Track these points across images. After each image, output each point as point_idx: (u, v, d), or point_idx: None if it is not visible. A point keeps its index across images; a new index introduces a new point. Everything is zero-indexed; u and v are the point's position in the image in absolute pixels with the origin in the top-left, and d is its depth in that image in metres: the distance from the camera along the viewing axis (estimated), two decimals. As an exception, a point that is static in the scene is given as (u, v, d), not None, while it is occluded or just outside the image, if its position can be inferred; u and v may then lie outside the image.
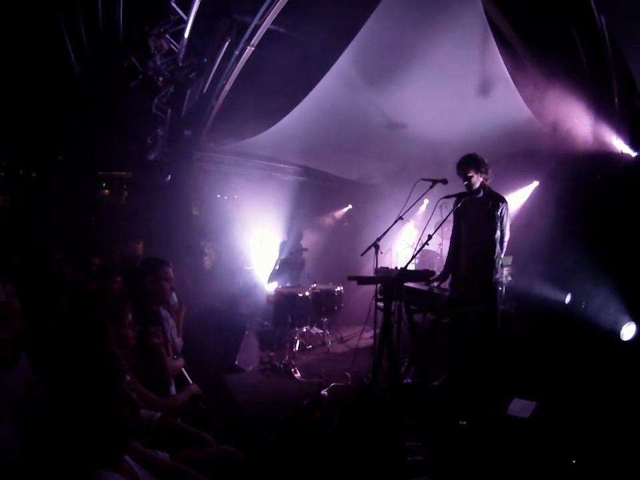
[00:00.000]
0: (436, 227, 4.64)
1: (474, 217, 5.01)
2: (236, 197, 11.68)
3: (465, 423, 4.18)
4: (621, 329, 6.14)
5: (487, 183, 5.04)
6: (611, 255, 6.37)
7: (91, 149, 9.36)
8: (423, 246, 4.29)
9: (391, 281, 4.23)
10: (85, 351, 1.49)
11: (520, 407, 4.40)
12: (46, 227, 8.82)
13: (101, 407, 1.41)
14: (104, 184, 11.12)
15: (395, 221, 4.79)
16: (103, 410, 1.41)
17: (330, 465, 3.63)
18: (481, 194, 4.91)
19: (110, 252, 8.78)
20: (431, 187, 4.74)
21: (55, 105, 8.03)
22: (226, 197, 11.83)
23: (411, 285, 4.48)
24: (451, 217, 5.10)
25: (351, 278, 4.44)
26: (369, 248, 4.69)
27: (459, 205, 4.71)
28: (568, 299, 7.07)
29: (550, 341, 6.03)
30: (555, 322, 6.55)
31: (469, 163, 4.97)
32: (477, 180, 4.96)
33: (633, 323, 6.09)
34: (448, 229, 6.27)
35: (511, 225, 4.99)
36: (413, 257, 4.35)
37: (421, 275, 4.80)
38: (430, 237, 4.26)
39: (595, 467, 3.45)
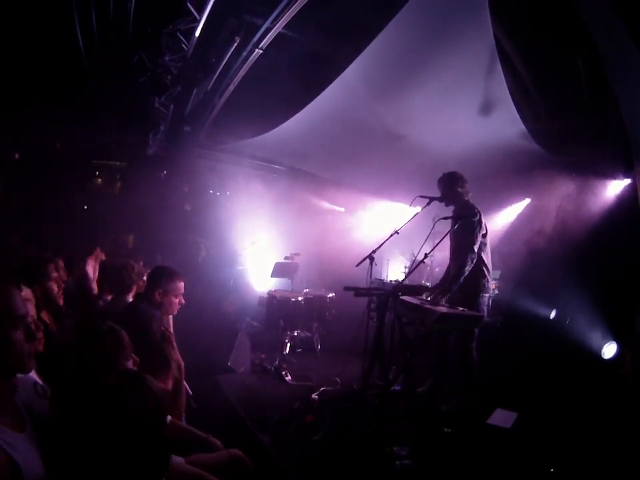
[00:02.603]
0: (432, 243, 4.73)
1: (452, 233, 5.12)
2: (228, 193, 11.67)
3: (449, 430, 4.30)
4: (602, 347, 6.32)
5: (467, 197, 5.16)
6: (596, 275, 6.54)
7: (89, 137, 9.31)
8: (419, 263, 4.41)
9: (387, 295, 4.33)
10: None
11: (502, 417, 4.52)
12: (36, 212, 8.76)
13: None
14: (97, 172, 11.06)
15: (391, 235, 4.87)
16: None
17: (320, 468, 3.72)
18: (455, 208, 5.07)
19: (100, 242, 8.74)
20: (428, 204, 4.91)
21: (58, 89, 7.98)
22: (218, 193, 11.82)
23: (404, 298, 4.57)
24: (441, 230, 5.21)
25: (347, 289, 4.53)
26: (364, 259, 4.76)
27: (456, 227, 4.80)
28: (553, 314, 7.23)
29: (533, 354, 6.16)
30: (539, 336, 6.70)
31: (445, 180, 5.16)
32: (454, 196, 5.12)
33: (614, 342, 6.27)
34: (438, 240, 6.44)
35: (483, 234, 5.02)
36: (410, 272, 4.45)
37: (416, 289, 4.90)
38: (426, 255, 4.39)
39: (572, 475, 3.65)
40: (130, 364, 2.16)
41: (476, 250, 4.83)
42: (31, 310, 2.38)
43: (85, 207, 10.64)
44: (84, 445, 1.61)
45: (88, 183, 10.91)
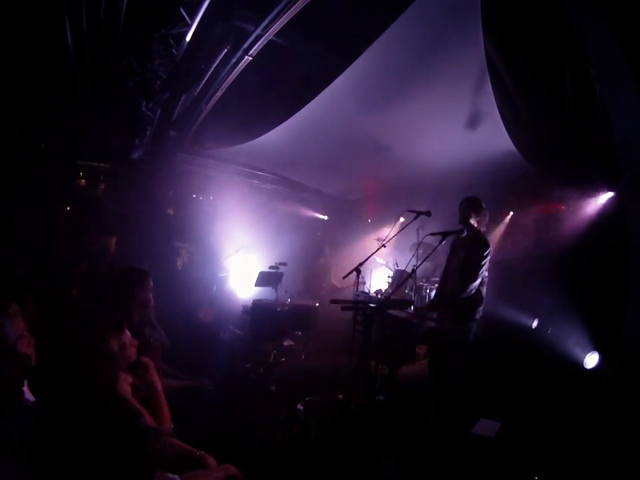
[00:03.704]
0: (417, 255, 4.75)
1: (459, 254, 5.14)
2: (211, 198, 11.61)
3: (434, 440, 4.34)
4: (584, 357, 6.37)
5: (479, 226, 5.16)
6: (578, 284, 6.65)
7: (73, 138, 9.17)
8: (407, 278, 4.42)
9: (373, 309, 4.34)
10: None
11: (485, 427, 4.54)
12: (17, 212, 8.59)
13: None
14: (81, 173, 10.90)
15: (378, 248, 4.90)
16: None
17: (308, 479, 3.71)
18: (465, 234, 5.05)
19: (81, 244, 8.62)
20: (415, 218, 4.90)
21: (44, 88, 7.85)
22: (201, 198, 11.74)
23: (390, 311, 4.58)
24: (429, 243, 5.23)
25: (334, 301, 4.53)
26: (351, 272, 4.75)
27: (442, 242, 4.81)
28: (535, 323, 7.30)
29: (515, 364, 6.17)
30: (521, 345, 6.74)
31: (470, 206, 5.12)
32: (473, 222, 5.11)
33: (596, 352, 6.33)
34: (423, 251, 6.48)
35: (487, 269, 5.06)
36: (398, 286, 4.47)
37: (401, 303, 4.91)
38: (414, 270, 4.41)
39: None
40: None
41: (477, 283, 4.87)
42: (20, 325, 2.35)
43: (68, 208, 10.47)
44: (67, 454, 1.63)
45: (72, 184, 10.73)
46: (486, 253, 4.89)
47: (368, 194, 11.42)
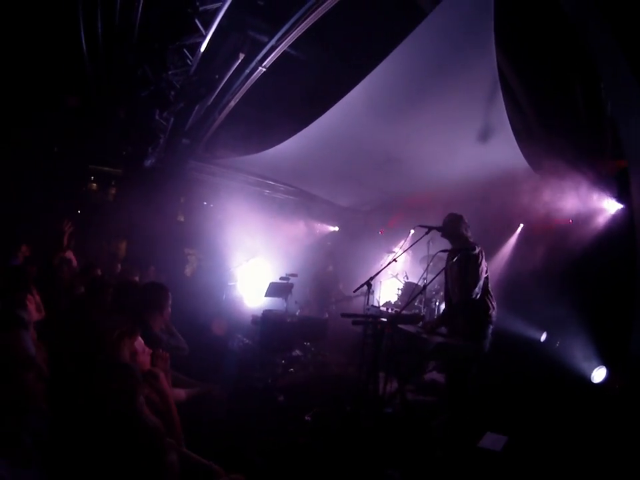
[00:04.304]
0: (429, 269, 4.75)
1: (451, 267, 5.13)
2: (222, 205, 11.64)
3: (441, 453, 4.33)
4: (592, 371, 6.34)
5: (469, 238, 5.16)
6: (587, 298, 6.61)
7: (85, 143, 9.24)
8: (419, 293, 4.42)
9: (383, 324, 4.34)
10: None
11: (492, 441, 4.51)
12: (29, 214, 8.65)
13: None
14: (92, 177, 10.98)
15: (389, 263, 4.90)
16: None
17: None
18: (476, 250, 5.04)
19: (93, 248, 8.66)
20: (427, 233, 4.91)
21: (59, 93, 7.94)
22: (212, 205, 11.77)
23: (401, 326, 4.58)
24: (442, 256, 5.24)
25: (344, 315, 4.55)
26: (362, 286, 4.74)
27: (454, 260, 4.81)
28: (543, 337, 7.25)
29: (523, 377, 6.15)
30: (529, 359, 6.71)
31: (459, 219, 5.17)
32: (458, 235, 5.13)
33: (604, 366, 6.30)
34: (433, 264, 6.49)
35: (485, 267, 5.03)
36: (408, 303, 4.46)
37: (412, 318, 4.90)
38: (425, 287, 4.41)
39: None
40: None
41: (481, 284, 4.84)
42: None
43: (79, 211, 10.54)
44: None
45: (83, 188, 10.81)
46: (476, 251, 4.88)
47: (402, 206, 11.31)
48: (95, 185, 11.08)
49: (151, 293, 4.06)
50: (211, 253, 10.63)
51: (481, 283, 4.86)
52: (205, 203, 11.69)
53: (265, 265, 10.56)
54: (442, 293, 8.19)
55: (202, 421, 4.04)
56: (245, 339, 8.12)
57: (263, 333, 7.18)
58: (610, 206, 7.12)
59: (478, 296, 4.82)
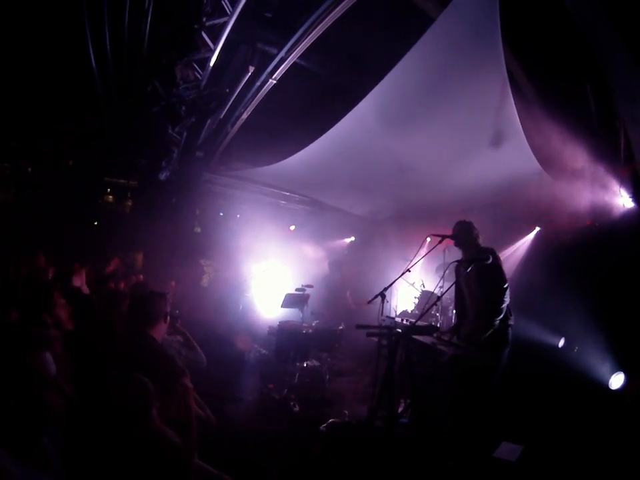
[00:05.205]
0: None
1: (470, 277, 5.08)
2: (238, 216, 11.72)
3: (452, 464, 4.25)
4: (610, 377, 6.22)
5: (480, 243, 5.15)
6: (605, 304, 6.49)
7: (100, 156, 9.35)
8: (434, 303, 4.41)
9: (398, 336, 4.32)
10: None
11: (507, 450, 4.45)
12: (46, 227, 8.75)
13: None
14: (109, 189, 11.11)
15: (403, 273, 4.87)
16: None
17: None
18: (490, 260, 5.00)
19: (108, 259, 8.74)
20: (440, 242, 4.89)
21: (71, 109, 8.05)
22: (228, 216, 11.86)
23: (416, 337, 4.55)
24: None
25: (359, 327, 4.53)
26: (376, 296, 4.73)
27: (468, 270, 4.76)
28: (561, 343, 7.15)
29: (540, 383, 6.09)
30: (546, 364, 6.63)
31: (471, 227, 5.18)
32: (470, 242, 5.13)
33: (622, 372, 6.17)
34: (449, 272, 6.43)
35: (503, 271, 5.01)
36: (424, 313, 4.45)
37: (427, 329, 4.86)
38: (439, 298, 4.40)
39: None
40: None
41: (508, 291, 4.85)
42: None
43: (95, 223, 10.68)
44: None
45: (99, 200, 10.95)
46: (492, 260, 4.81)
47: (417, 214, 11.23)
48: (111, 197, 11.22)
49: (146, 305, 4.01)
50: (227, 263, 10.66)
51: (508, 291, 4.86)
52: (221, 214, 11.78)
53: (281, 276, 10.59)
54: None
55: (215, 432, 4.06)
56: (261, 350, 8.15)
57: (279, 343, 7.16)
58: (628, 209, 7.02)
59: (506, 302, 4.83)
